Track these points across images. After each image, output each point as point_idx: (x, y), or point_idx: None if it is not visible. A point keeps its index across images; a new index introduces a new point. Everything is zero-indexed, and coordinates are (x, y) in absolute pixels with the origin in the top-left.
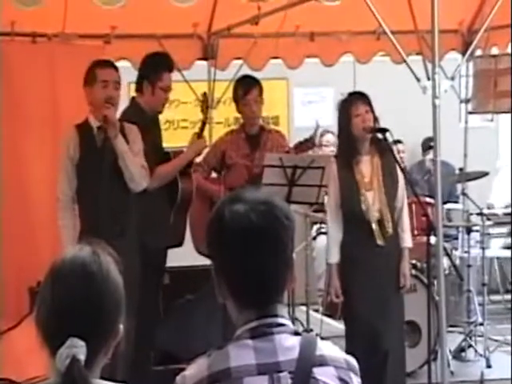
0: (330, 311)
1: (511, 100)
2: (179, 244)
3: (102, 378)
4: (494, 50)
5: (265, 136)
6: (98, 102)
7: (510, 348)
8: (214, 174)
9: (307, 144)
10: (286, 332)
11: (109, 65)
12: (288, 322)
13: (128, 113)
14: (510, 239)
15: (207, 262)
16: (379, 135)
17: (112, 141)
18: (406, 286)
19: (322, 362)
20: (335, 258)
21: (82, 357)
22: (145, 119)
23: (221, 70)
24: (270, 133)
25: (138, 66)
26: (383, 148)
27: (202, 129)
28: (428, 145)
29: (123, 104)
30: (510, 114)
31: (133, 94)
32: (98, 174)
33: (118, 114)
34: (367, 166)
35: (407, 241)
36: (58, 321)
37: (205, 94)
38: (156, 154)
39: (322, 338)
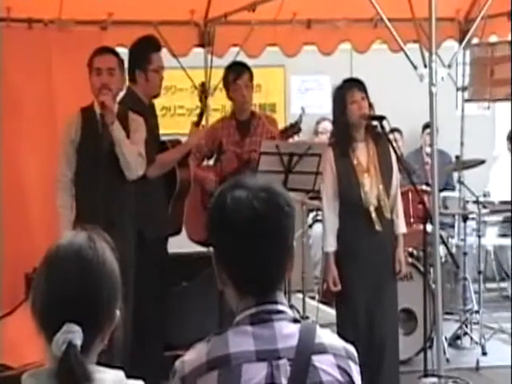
0: (327, 298)
1: (511, 88)
2: (177, 232)
3: (99, 363)
4: (492, 38)
5: (255, 122)
6: (94, 90)
7: (505, 335)
8: (210, 162)
9: (293, 129)
10: (285, 319)
11: (104, 51)
12: (287, 310)
13: (125, 102)
14: (505, 227)
15: (203, 249)
16: (376, 123)
17: (109, 127)
18: (401, 271)
19: (321, 350)
20: (332, 246)
21: (78, 342)
22: (142, 108)
23: (218, 57)
24: (260, 119)
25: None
26: (378, 134)
27: (200, 118)
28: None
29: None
30: (506, 102)
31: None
32: (97, 159)
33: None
34: (363, 153)
35: (402, 227)
36: (53, 307)
37: (203, 83)
38: (154, 143)
39: (321, 326)
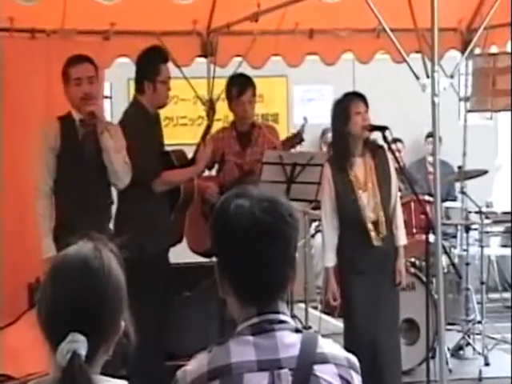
0: (329, 309)
1: (511, 98)
2: (178, 241)
3: (102, 374)
4: (493, 49)
5: (256, 132)
6: (74, 100)
7: (507, 346)
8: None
9: (295, 139)
10: (287, 329)
11: (81, 61)
12: (289, 319)
13: (130, 113)
14: (507, 237)
15: (204, 259)
16: (375, 134)
17: (99, 136)
18: (401, 283)
19: (323, 360)
20: (331, 261)
21: (82, 352)
22: (148, 118)
23: (220, 67)
24: (260, 128)
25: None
26: (375, 147)
27: (206, 132)
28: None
29: (124, 101)
30: (508, 113)
31: (133, 90)
32: (78, 166)
33: (114, 112)
34: (361, 168)
35: (402, 238)
36: (58, 316)
37: (211, 100)
38: (159, 153)
39: (323, 336)
